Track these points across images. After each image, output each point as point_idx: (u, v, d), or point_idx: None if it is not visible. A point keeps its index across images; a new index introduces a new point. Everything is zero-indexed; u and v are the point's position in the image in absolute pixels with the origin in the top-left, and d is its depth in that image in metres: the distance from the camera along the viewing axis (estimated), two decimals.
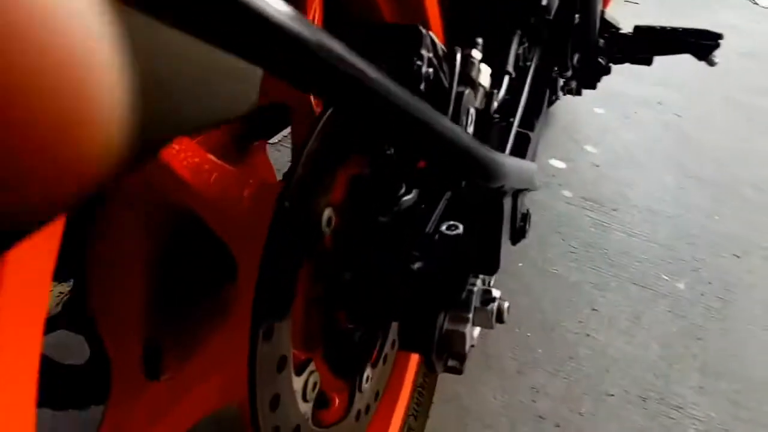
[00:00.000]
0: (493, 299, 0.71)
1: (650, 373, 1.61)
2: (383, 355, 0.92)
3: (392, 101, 0.35)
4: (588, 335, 1.71)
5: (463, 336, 0.68)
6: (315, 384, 0.69)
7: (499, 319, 0.72)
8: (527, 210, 0.80)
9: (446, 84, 0.72)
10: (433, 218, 0.72)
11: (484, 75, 0.79)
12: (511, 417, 1.46)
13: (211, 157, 0.65)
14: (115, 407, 0.74)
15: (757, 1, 4.69)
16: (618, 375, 1.60)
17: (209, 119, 0.28)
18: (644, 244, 2.11)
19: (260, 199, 0.66)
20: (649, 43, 1.72)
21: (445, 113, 0.70)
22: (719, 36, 1.70)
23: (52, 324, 0.84)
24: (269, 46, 0.25)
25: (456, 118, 0.71)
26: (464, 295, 0.70)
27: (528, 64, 1.05)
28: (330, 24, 0.80)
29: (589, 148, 2.66)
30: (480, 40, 0.78)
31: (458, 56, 0.72)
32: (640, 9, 4.23)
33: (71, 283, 0.77)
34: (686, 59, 3.36)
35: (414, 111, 0.38)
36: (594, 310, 1.80)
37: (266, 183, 0.68)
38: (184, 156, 0.63)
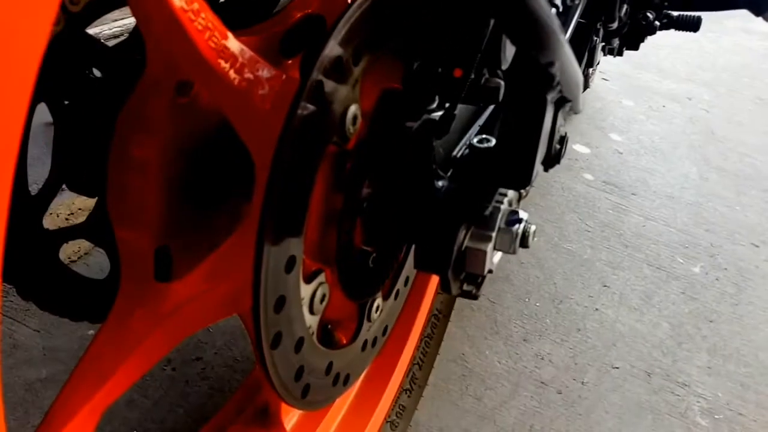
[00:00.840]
0: (519, 220, 0.65)
1: (658, 351, 1.55)
2: (395, 289, 0.86)
3: None
4: (597, 309, 1.65)
5: (483, 255, 0.62)
6: (324, 296, 0.64)
7: (524, 243, 0.65)
8: (565, 133, 0.73)
9: None
10: (466, 137, 0.65)
11: None
12: (513, 381, 1.41)
13: (240, 44, 0.58)
14: (119, 308, 0.69)
15: None
16: (625, 350, 1.54)
17: None
18: (661, 227, 2.04)
19: (286, 94, 0.60)
20: None
21: None
22: None
23: (75, 232, 0.80)
24: None
25: None
26: (489, 212, 0.63)
27: (576, 2, 0.96)
28: None
29: (614, 136, 2.58)
30: None
31: None
32: None
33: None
34: (721, 57, 3.27)
35: None
36: (605, 286, 1.74)
37: (292, 78, 0.62)
38: (210, 35, 0.56)
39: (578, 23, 0.98)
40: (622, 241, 1.94)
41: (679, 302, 1.72)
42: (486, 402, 1.35)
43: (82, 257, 1.47)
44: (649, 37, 1.63)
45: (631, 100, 2.92)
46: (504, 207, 0.64)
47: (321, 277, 0.63)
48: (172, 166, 0.71)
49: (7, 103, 0.30)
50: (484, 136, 0.64)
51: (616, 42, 1.54)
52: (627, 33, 1.53)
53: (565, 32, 0.91)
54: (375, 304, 0.77)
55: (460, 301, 1.43)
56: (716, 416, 1.40)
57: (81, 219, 1.10)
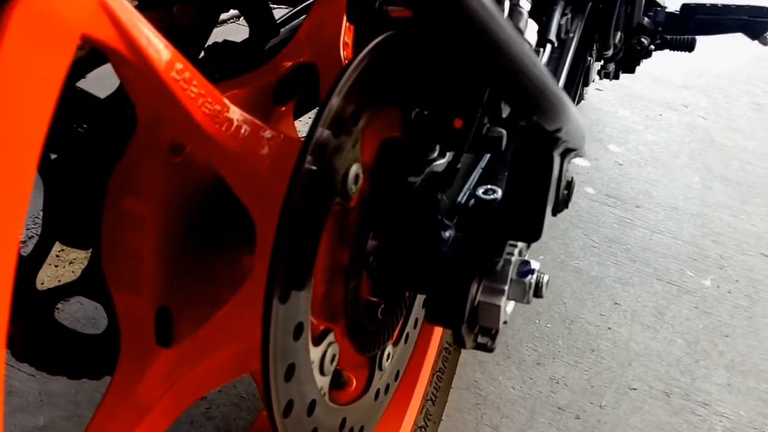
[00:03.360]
0: (532, 271, 0.62)
1: (675, 369, 1.51)
2: (405, 333, 0.83)
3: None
4: (609, 328, 1.61)
5: (497, 309, 0.59)
6: (333, 356, 0.61)
7: (537, 293, 0.63)
8: (572, 177, 0.71)
9: None
10: (468, 184, 0.63)
11: (531, 30, 0.70)
12: (529, 407, 1.37)
13: (232, 105, 0.56)
14: (123, 374, 0.66)
15: None
16: (641, 369, 1.50)
17: None
18: (668, 240, 2.00)
19: (283, 155, 0.58)
20: (697, 22, 1.59)
21: None
22: None
23: (70, 290, 0.78)
24: None
25: None
26: (500, 265, 0.61)
27: (570, 36, 0.95)
28: None
29: (612, 147, 2.56)
30: None
31: (506, 3, 0.63)
32: None
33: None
34: (715, 64, 3.25)
35: (487, 15, 0.30)
36: (616, 304, 1.71)
37: (289, 138, 0.60)
38: (203, 101, 0.54)
39: (575, 49, 0.96)
40: (630, 255, 1.91)
41: (693, 317, 1.69)
42: (503, 431, 1.32)
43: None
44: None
45: (627, 110, 2.89)
46: (515, 258, 0.61)
47: (330, 337, 0.61)
48: (168, 224, 0.68)
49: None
50: (488, 186, 0.62)
51: (612, 66, 1.52)
52: (622, 57, 1.51)
53: (563, 67, 0.89)
54: (386, 353, 0.75)
55: None
56: None
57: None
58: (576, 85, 1.14)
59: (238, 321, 0.63)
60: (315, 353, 0.58)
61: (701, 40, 3.01)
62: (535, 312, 1.63)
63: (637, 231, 2.03)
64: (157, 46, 0.47)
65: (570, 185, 0.71)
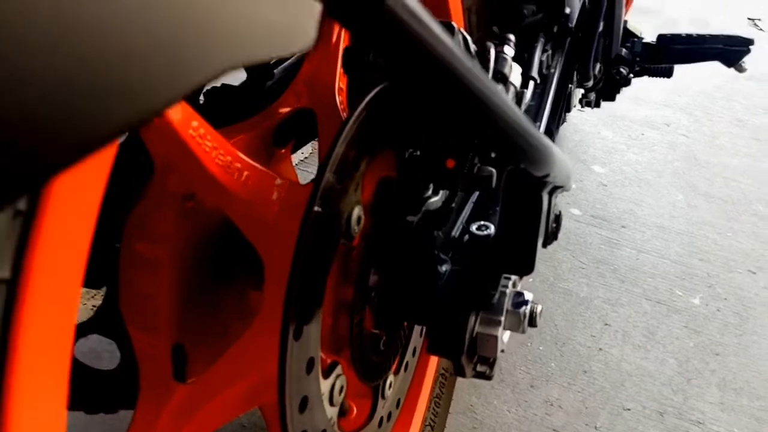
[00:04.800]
0: (526, 302, 0.68)
1: (667, 388, 1.57)
2: (405, 362, 0.88)
3: (455, 66, 0.32)
4: (601, 349, 1.67)
5: (494, 339, 0.64)
6: (342, 388, 0.66)
7: (532, 322, 0.68)
8: (559, 211, 0.77)
9: None
10: (461, 219, 0.69)
11: (515, 73, 0.76)
12: (524, 430, 1.42)
13: (242, 156, 0.62)
14: (144, 409, 0.71)
15: (760, 26, 4.68)
16: (634, 390, 1.56)
17: (265, 50, 0.25)
18: (655, 260, 2.07)
19: (289, 201, 0.63)
20: (674, 52, 1.68)
21: None
22: (750, 41, 1.65)
23: (84, 329, 0.82)
24: None
25: None
26: (496, 297, 0.66)
27: (552, 71, 1.02)
28: None
29: (596, 168, 2.63)
30: (512, 37, 0.75)
31: (492, 52, 0.70)
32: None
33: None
34: (695, 82, 3.35)
35: (474, 78, 0.35)
36: (606, 324, 1.76)
37: (295, 184, 0.65)
38: (216, 153, 0.60)
39: (557, 83, 1.03)
40: (618, 276, 1.97)
41: (683, 336, 1.74)
42: None
43: None
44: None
45: (610, 130, 2.97)
46: (509, 290, 0.67)
47: (338, 369, 0.66)
48: (182, 264, 0.74)
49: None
50: (482, 222, 0.67)
51: (593, 95, 1.60)
52: (603, 87, 1.59)
53: (546, 101, 0.96)
54: (388, 382, 0.79)
55: None
56: None
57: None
58: (559, 113, 1.21)
59: (250, 356, 0.68)
60: (325, 385, 0.63)
61: None
62: (528, 335, 1.68)
63: (624, 251, 2.10)
64: (176, 107, 0.52)
65: (558, 218, 0.77)
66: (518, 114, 0.45)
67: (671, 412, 1.50)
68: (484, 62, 0.68)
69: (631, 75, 1.62)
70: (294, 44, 0.27)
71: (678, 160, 2.74)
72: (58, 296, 0.34)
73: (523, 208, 0.64)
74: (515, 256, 0.65)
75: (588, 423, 1.45)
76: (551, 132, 1.12)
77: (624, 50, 1.54)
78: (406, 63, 0.31)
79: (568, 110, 1.50)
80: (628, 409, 1.50)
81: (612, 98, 1.73)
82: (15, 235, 0.29)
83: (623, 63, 1.53)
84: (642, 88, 3.38)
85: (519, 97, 0.77)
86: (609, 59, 1.42)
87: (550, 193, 0.69)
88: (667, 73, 1.75)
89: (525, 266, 0.65)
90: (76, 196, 0.33)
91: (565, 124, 2.61)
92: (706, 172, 2.66)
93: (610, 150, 2.79)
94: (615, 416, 1.48)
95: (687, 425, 1.47)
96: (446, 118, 0.55)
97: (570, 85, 1.35)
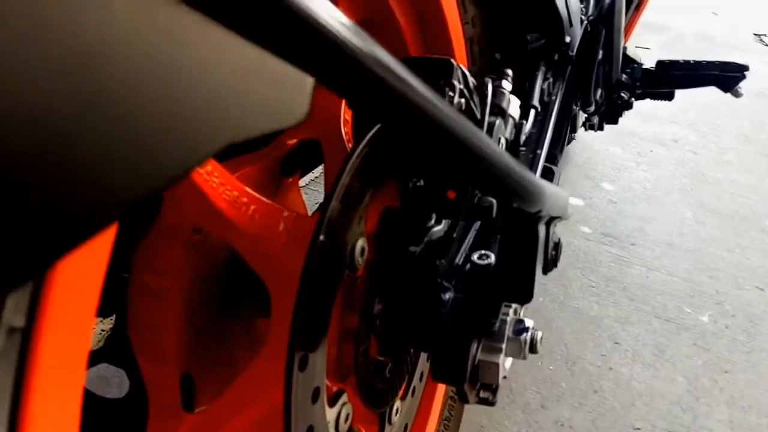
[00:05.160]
0: (526, 329, 0.69)
1: (677, 407, 1.56)
2: (412, 387, 0.89)
3: (439, 118, 0.33)
4: (611, 368, 1.67)
5: (496, 366, 0.66)
6: (348, 416, 0.67)
7: (533, 349, 0.70)
8: (558, 239, 0.79)
9: (478, 114, 0.71)
10: (463, 248, 0.70)
11: (514, 106, 0.78)
12: None
13: (249, 190, 0.64)
14: None
15: (766, 41, 4.68)
16: (644, 409, 1.55)
17: (260, 126, 0.27)
18: (665, 277, 2.07)
19: (295, 233, 0.65)
20: (672, 77, 1.70)
21: None
22: (745, 68, 1.67)
23: (94, 358, 0.84)
24: (320, 53, 0.24)
25: None
26: (497, 324, 0.67)
27: (553, 98, 1.04)
28: None
29: (605, 185, 2.63)
30: (510, 72, 0.77)
31: (489, 87, 0.71)
32: (650, 54, 4.24)
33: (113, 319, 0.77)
34: (701, 98, 3.35)
35: (459, 129, 0.37)
36: (616, 343, 1.76)
37: (300, 216, 0.67)
38: (223, 189, 0.62)
39: (558, 110, 1.05)
40: (628, 294, 1.97)
41: (692, 354, 1.74)
42: None
43: None
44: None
45: (618, 147, 2.98)
46: (510, 318, 0.68)
47: (344, 398, 0.67)
48: (190, 295, 0.75)
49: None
50: (482, 252, 0.69)
51: (595, 119, 1.62)
52: (605, 111, 1.61)
53: (547, 128, 0.98)
54: (394, 408, 0.80)
55: None
56: None
57: None
58: (563, 138, 1.23)
59: (257, 385, 0.69)
60: (330, 414, 0.64)
61: None
62: (539, 355, 1.67)
63: (633, 269, 2.10)
64: None
65: (558, 246, 0.78)
66: (505, 157, 0.46)
67: (681, 431, 1.49)
68: (483, 97, 0.70)
69: (633, 99, 1.64)
70: (288, 119, 0.29)
71: (686, 177, 2.74)
72: (72, 337, 0.35)
73: (519, 241, 0.66)
74: (514, 286, 0.66)
75: None
76: (554, 156, 1.13)
77: (624, 76, 1.56)
78: (389, 117, 0.33)
79: (574, 131, 1.52)
80: (638, 429, 1.50)
81: (615, 122, 1.75)
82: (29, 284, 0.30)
83: (624, 88, 1.56)
84: (649, 104, 3.39)
85: (518, 129, 0.79)
86: (610, 85, 1.44)
87: (548, 224, 0.70)
88: (668, 97, 1.77)
89: (524, 295, 0.66)
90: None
91: (574, 142, 2.62)
92: (714, 188, 2.66)
93: (620, 167, 2.80)
94: None
95: None
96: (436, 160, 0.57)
97: (575, 107, 1.36)
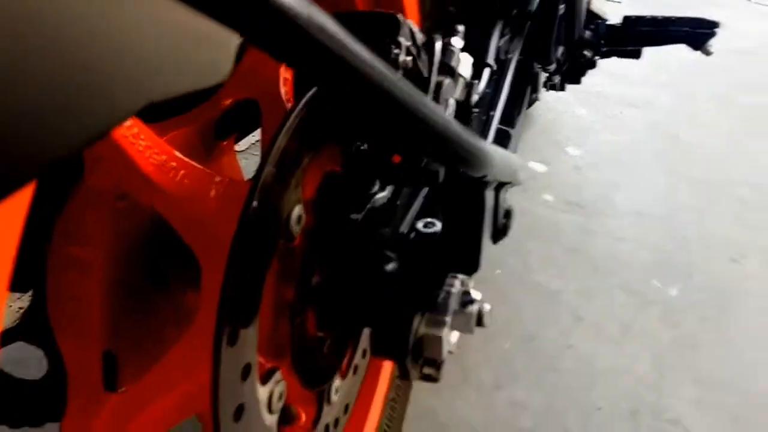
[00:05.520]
0: (473, 301, 0.73)
1: (642, 386, 1.64)
2: (353, 365, 0.93)
3: (378, 80, 0.36)
4: (571, 346, 1.74)
5: (439, 341, 0.69)
6: (281, 394, 0.70)
7: (479, 322, 0.73)
8: (510, 206, 0.82)
9: (425, 73, 0.74)
10: (409, 215, 0.73)
11: (465, 65, 0.81)
12: None
13: (178, 154, 0.66)
14: (72, 422, 0.74)
15: None
16: (606, 388, 1.62)
17: (181, 85, 0.29)
18: (632, 248, 2.14)
19: (227, 199, 0.67)
20: (639, 34, 1.75)
21: None
22: (715, 24, 1.73)
23: (9, 336, 0.85)
24: (246, 10, 0.26)
25: None
26: (442, 297, 0.71)
27: (509, 56, 1.07)
28: None
29: (570, 150, 2.69)
30: (461, 28, 0.80)
31: (438, 45, 0.74)
32: (621, 9, 4.30)
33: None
34: (675, 57, 3.43)
35: (399, 91, 0.40)
36: (579, 319, 1.83)
37: (233, 182, 0.69)
38: (150, 152, 0.64)
39: (515, 69, 1.08)
40: (592, 266, 2.04)
41: (659, 330, 1.82)
42: None
43: None
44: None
45: (585, 108, 3.04)
46: (456, 290, 0.72)
47: (277, 375, 0.70)
48: (114, 267, 0.77)
49: None
50: (428, 219, 0.72)
51: (557, 78, 1.66)
52: (567, 70, 1.65)
53: (502, 87, 1.01)
54: (333, 387, 0.84)
55: None
56: None
57: None
58: (523, 97, 1.27)
59: (185, 363, 0.72)
60: (263, 392, 0.67)
61: None
62: (494, 332, 1.74)
63: (598, 239, 2.17)
64: None
65: (509, 214, 0.82)
66: (446, 119, 0.49)
67: (645, 411, 1.57)
68: (431, 56, 0.72)
69: (597, 57, 1.68)
70: (210, 78, 0.31)
71: (658, 141, 2.82)
72: None
73: (465, 207, 0.69)
74: (460, 255, 0.70)
75: (557, 424, 1.52)
76: (512, 118, 1.17)
77: (588, 32, 1.60)
78: (325, 78, 0.35)
79: (536, 91, 1.56)
80: (599, 409, 1.57)
81: (577, 81, 1.80)
82: None
83: (587, 46, 1.60)
84: (620, 63, 3.45)
85: (469, 89, 0.82)
86: (572, 42, 1.48)
87: (497, 189, 0.74)
88: (635, 55, 1.83)
89: (470, 265, 0.70)
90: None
91: (538, 103, 2.67)
92: (688, 152, 2.75)
93: (586, 130, 2.86)
94: (586, 417, 1.54)
95: (661, 425, 1.54)
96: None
97: (538, 67, 1.40)
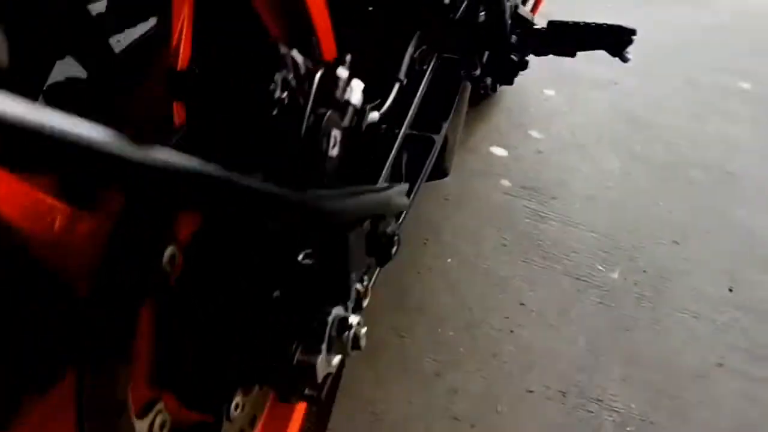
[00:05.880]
0: (349, 327, 0.74)
1: (574, 368, 1.67)
2: None
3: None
4: (512, 332, 1.76)
5: (313, 369, 0.70)
6: (164, 423, 0.71)
7: (356, 345, 0.75)
8: (394, 232, 0.83)
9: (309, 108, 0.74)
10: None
11: (356, 92, 0.80)
12: (427, 420, 1.50)
13: (45, 196, 0.65)
14: None
15: None
16: (541, 371, 1.65)
17: None
18: (582, 233, 2.15)
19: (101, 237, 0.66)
20: (562, 39, 1.75)
21: (298, 136, 0.71)
22: (633, 32, 1.74)
23: None
24: None
25: (312, 142, 0.72)
26: (317, 324, 0.72)
27: (425, 67, 1.06)
28: (207, 36, 0.79)
29: (534, 133, 2.68)
30: (348, 57, 0.79)
31: (317, 77, 0.73)
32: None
33: None
34: (649, 39, 3.40)
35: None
36: (522, 305, 1.85)
37: (109, 218, 0.68)
38: (15, 199, 0.63)
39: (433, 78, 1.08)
40: (541, 252, 2.05)
41: (596, 313, 1.85)
42: None
43: None
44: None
45: (553, 89, 3.01)
46: (332, 317, 0.73)
47: (158, 406, 0.70)
48: None
49: None
50: (308, 251, 0.73)
51: (488, 80, 1.66)
52: (497, 71, 1.65)
53: (414, 99, 1.01)
54: (234, 404, 0.85)
55: (367, 340, 1.52)
56: (628, 428, 1.54)
57: None
58: (454, 102, 1.26)
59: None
60: (141, 425, 0.68)
61: (641, 12, 3.13)
62: (439, 319, 1.76)
63: (550, 225, 2.17)
64: None
65: (391, 239, 0.83)
66: (262, 184, 0.49)
67: (574, 391, 1.61)
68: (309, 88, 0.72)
69: (526, 59, 1.68)
70: None
71: (621, 122, 2.80)
72: None
73: (330, 245, 0.70)
74: (331, 286, 0.71)
75: (489, 408, 1.54)
76: (436, 124, 1.16)
77: (514, 36, 1.59)
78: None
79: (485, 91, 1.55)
80: (532, 391, 1.60)
81: (509, 82, 1.80)
82: None
83: (513, 50, 1.59)
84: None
85: (360, 116, 0.81)
86: (497, 46, 1.47)
87: (374, 222, 0.74)
88: (571, 53, 1.82)
89: (340, 295, 0.71)
90: None
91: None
92: (648, 135, 2.74)
93: (552, 112, 2.83)
94: (518, 400, 1.57)
95: (586, 403, 1.58)
96: None
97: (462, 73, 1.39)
